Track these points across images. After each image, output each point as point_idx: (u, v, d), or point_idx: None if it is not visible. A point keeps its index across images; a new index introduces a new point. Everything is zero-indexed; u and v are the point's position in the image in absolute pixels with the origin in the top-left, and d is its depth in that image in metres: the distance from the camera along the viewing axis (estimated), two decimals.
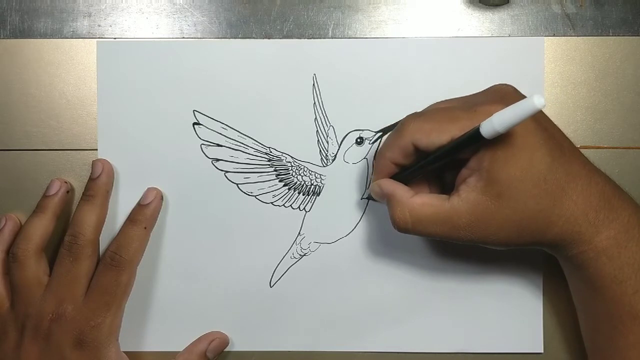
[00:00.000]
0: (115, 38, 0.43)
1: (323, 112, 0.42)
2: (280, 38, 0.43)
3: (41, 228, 0.41)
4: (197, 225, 0.43)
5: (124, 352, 0.41)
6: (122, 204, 0.43)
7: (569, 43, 0.43)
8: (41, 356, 0.39)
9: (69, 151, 0.43)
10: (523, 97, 0.35)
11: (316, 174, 0.43)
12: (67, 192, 0.42)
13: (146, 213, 0.42)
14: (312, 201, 0.43)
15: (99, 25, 0.43)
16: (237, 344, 0.43)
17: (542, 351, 0.43)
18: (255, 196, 0.43)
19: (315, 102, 0.42)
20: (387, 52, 0.42)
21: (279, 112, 0.43)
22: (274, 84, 0.42)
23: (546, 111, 0.42)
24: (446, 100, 0.39)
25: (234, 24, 0.43)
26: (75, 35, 0.43)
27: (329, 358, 0.43)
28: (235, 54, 0.42)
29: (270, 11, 0.43)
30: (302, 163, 0.43)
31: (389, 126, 0.42)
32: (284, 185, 0.43)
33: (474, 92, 0.38)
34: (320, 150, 0.43)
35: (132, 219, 0.42)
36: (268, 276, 0.43)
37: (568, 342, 0.42)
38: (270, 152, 0.43)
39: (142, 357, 0.43)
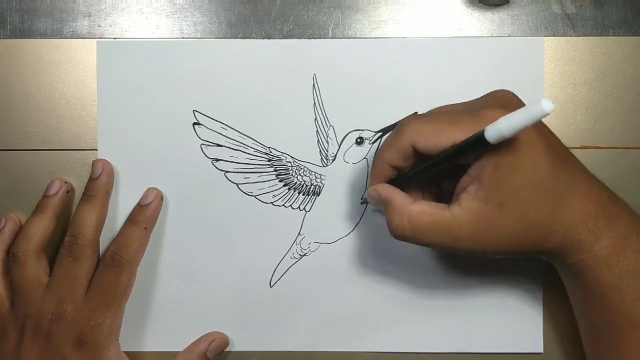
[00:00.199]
0: (115, 38, 0.43)
1: (323, 112, 0.42)
2: (280, 38, 0.43)
3: (41, 228, 0.41)
4: (197, 225, 0.43)
5: (124, 352, 0.41)
6: (122, 204, 0.43)
7: (569, 43, 0.43)
8: (41, 356, 0.39)
9: (69, 151, 0.43)
10: (523, 103, 0.35)
11: (316, 174, 0.43)
12: (67, 192, 0.42)
13: (146, 213, 0.42)
14: (312, 201, 0.43)
15: (99, 25, 0.43)
16: (237, 344, 0.43)
17: (542, 351, 0.43)
18: (255, 196, 0.43)
19: (315, 102, 0.42)
20: (387, 52, 0.42)
21: (279, 112, 0.43)
22: (274, 84, 0.42)
23: None
24: (448, 105, 0.39)
25: (234, 24, 0.43)
26: (75, 35, 0.43)
27: (329, 358, 0.43)
28: (235, 54, 0.42)
29: (270, 11, 0.43)
30: (302, 163, 0.43)
31: (389, 126, 0.42)
32: (284, 185, 0.43)
33: (474, 94, 0.38)
34: (320, 150, 0.43)
35: (132, 219, 0.42)
36: (268, 276, 0.43)
37: (568, 342, 0.42)
38: (270, 152, 0.43)
39: (142, 357, 0.43)
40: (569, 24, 0.43)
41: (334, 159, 0.43)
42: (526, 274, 0.43)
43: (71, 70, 0.43)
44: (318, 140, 0.43)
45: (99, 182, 0.42)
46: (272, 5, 0.43)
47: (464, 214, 0.34)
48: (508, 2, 0.43)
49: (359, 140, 0.43)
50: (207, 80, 0.42)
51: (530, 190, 0.34)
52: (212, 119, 0.43)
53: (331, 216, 0.43)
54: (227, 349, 0.43)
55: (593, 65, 0.43)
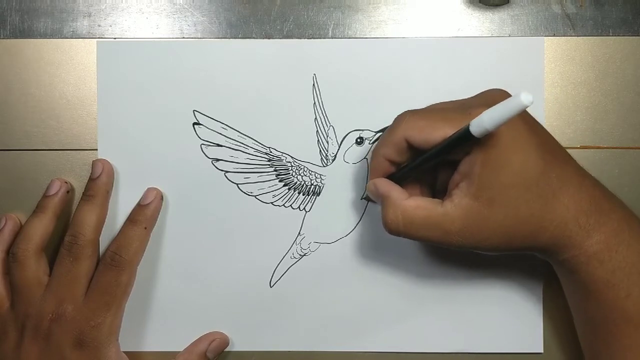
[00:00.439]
0: (115, 38, 0.43)
1: (323, 112, 0.42)
2: (280, 38, 0.43)
3: (41, 228, 0.41)
4: (197, 225, 0.43)
5: (124, 352, 0.41)
6: (122, 204, 0.43)
7: (569, 43, 0.43)
8: (41, 356, 0.39)
9: (69, 151, 0.43)
10: None
11: (316, 174, 0.43)
12: (67, 192, 0.42)
13: (146, 213, 0.42)
14: (312, 201, 0.43)
15: (99, 25, 0.43)
16: (237, 344, 0.43)
17: (542, 351, 0.43)
18: (255, 196, 0.43)
19: (315, 102, 0.42)
20: (387, 52, 0.42)
21: (279, 112, 0.43)
22: (274, 84, 0.42)
23: (546, 111, 0.42)
24: (443, 102, 0.40)
25: (234, 24, 0.43)
26: (75, 35, 0.43)
27: (329, 358, 0.43)
28: (235, 54, 0.42)
29: (270, 11, 0.43)
30: (302, 163, 0.43)
31: (388, 126, 0.42)
32: (284, 185, 0.43)
33: (472, 93, 0.39)
34: (320, 150, 0.43)
35: (132, 219, 0.42)
36: (268, 276, 0.43)
37: (568, 342, 0.42)
38: (270, 152, 0.43)
39: (142, 357, 0.43)
40: (569, 24, 0.43)
41: (334, 159, 0.43)
42: (526, 274, 0.43)
43: (71, 70, 0.43)
44: (318, 140, 0.43)
45: (99, 182, 0.42)
46: (272, 5, 0.43)
47: (455, 209, 0.34)
48: (508, 2, 0.43)
49: (359, 140, 0.43)
50: (207, 80, 0.42)
51: (520, 187, 0.34)
52: (212, 119, 0.43)
53: (331, 216, 0.43)
54: (227, 349, 0.43)
55: (593, 65, 0.43)
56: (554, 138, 0.37)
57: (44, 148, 0.43)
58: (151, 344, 0.43)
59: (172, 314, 0.43)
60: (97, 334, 0.39)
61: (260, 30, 0.43)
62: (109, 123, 0.43)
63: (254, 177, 0.43)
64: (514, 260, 0.42)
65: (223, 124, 0.43)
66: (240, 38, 0.43)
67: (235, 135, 0.43)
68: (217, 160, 0.43)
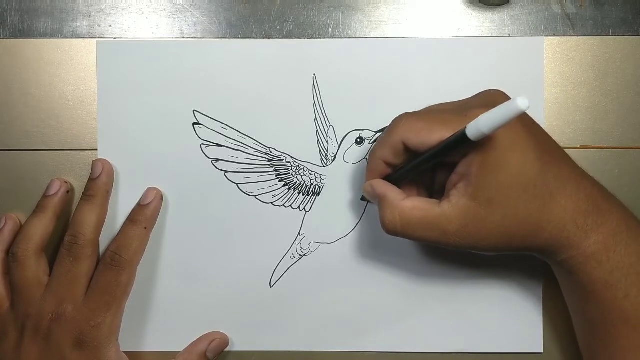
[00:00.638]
0: (115, 38, 0.43)
1: (323, 112, 0.42)
2: (280, 38, 0.43)
3: (41, 228, 0.41)
4: (197, 225, 0.43)
5: (124, 352, 0.41)
6: (122, 204, 0.43)
7: (569, 43, 0.43)
8: (41, 356, 0.39)
9: (69, 151, 0.43)
10: None
11: (316, 174, 0.43)
12: (67, 192, 0.42)
13: (146, 213, 0.42)
14: (312, 201, 0.43)
15: (99, 25, 0.43)
16: (237, 344, 0.43)
17: (542, 351, 0.43)
18: (255, 196, 0.43)
19: (315, 102, 0.42)
20: (387, 52, 0.42)
21: (279, 112, 0.43)
22: (274, 84, 0.42)
23: (546, 111, 0.42)
24: (441, 104, 0.40)
25: (234, 24, 0.43)
26: (75, 35, 0.43)
27: (329, 358, 0.43)
28: (235, 54, 0.42)
29: (270, 11, 0.43)
30: (302, 163, 0.43)
31: (386, 128, 0.42)
32: (284, 185, 0.43)
33: (472, 93, 0.39)
34: (320, 150, 0.43)
35: (132, 219, 0.42)
36: (268, 276, 0.43)
37: (568, 342, 0.42)
38: (270, 152, 0.43)
39: (142, 357, 0.43)
40: (569, 24, 0.43)
41: (334, 159, 0.43)
42: (526, 274, 0.43)
43: (71, 70, 0.43)
44: (318, 140, 0.43)
45: (99, 182, 0.42)
46: (272, 5, 0.43)
47: (453, 210, 0.35)
48: (508, 2, 0.43)
49: (359, 140, 0.43)
50: (207, 80, 0.42)
51: (518, 188, 0.34)
52: (212, 119, 0.43)
53: (331, 216, 0.43)
54: (227, 349, 0.43)
55: (593, 65, 0.43)
56: (552, 139, 0.37)
57: (44, 148, 0.43)
58: (151, 344, 0.43)
59: (172, 314, 0.43)
60: (97, 334, 0.39)
61: (260, 30, 0.43)
62: (109, 123, 0.43)
63: (254, 177, 0.43)
64: (514, 261, 0.42)
65: (223, 124, 0.43)
66: (240, 38, 0.43)
67: (235, 135, 0.43)
68: (217, 160, 0.43)
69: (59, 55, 0.43)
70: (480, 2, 0.43)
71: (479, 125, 0.31)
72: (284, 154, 0.43)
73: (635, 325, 0.35)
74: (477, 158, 0.34)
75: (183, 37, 0.43)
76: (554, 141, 0.37)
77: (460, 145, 0.33)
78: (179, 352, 0.43)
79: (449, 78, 0.42)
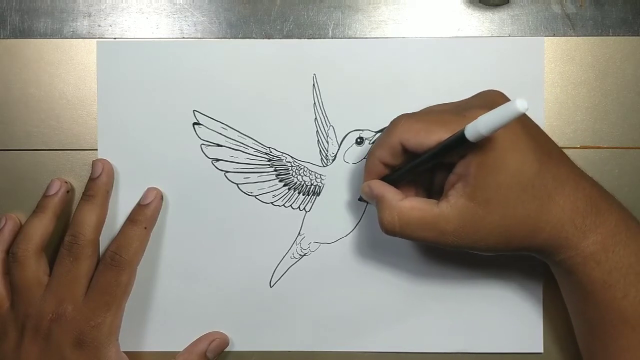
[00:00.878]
0: (115, 38, 0.43)
1: (323, 112, 0.42)
2: (280, 38, 0.43)
3: (41, 228, 0.41)
4: (197, 225, 0.43)
5: (124, 352, 0.41)
6: (122, 204, 0.43)
7: (569, 43, 0.43)
8: (41, 356, 0.39)
9: (69, 151, 0.43)
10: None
11: (316, 174, 0.43)
12: (67, 192, 0.42)
13: (146, 213, 0.42)
14: (312, 201, 0.43)
15: (99, 25, 0.43)
16: (237, 344, 0.43)
17: (542, 351, 0.43)
18: (255, 196, 0.43)
19: (315, 102, 0.42)
20: (387, 52, 0.42)
21: (279, 112, 0.43)
22: (274, 84, 0.42)
23: (546, 111, 0.42)
24: (439, 104, 0.40)
25: (234, 24, 0.43)
26: (75, 35, 0.43)
27: (329, 358, 0.43)
28: (235, 54, 0.42)
29: (270, 11, 0.43)
30: (302, 163, 0.43)
31: (385, 128, 0.42)
32: (284, 185, 0.43)
33: (472, 93, 0.39)
34: (320, 150, 0.43)
35: (132, 219, 0.42)
36: (268, 276, 0.43)
37: (567, 342, 0.42)
38: (270, 152, 0.43)
39: (142, 357, 0.43)
40: (569, 24, 0.43)
41: (334, 159, 0.43)
42: (526, 274, 0.43)
43: (71, 70, 0.43)
44: (318, 140, 0.43)
45: (99, 182, 0.42)
46: (272, 5, 0.43)
47: (451, 210, 0.35)
48: (508, 2, 0.43)
49: (359, 140, 0.43)
50: (207, 80, 0.42)
51: (516, 188, 0.34)
52: (212, 119, 0.43)
53: (331, 216, 0.43)
54: (227, 349, 0.43)
55: (593, 65, 0.43)
56: (550, 139, 0.37)
57: (44, 148, 0.43)
58: (151, 344, 0.43)
59: (172, 314, 0.43)
60: (97, 334, 0.39)
61: (260, 30, 0.43)
62: (109, 123, 0.43)
63: (254, 177, 0.43)
64: (514, 261, 0.42)
65: (223, 124, 0.43)
66: (240, 38, 0.43)
67: (235, 135, 0.43)
68: (217, 160, 0.43)
69: (59, 55, 0.43)
70: (480, 2, 0.43)
71: (478, 126, 0.31)
72: (284, 154, 0.43)
73: (634, 326, 0.35)
74: (476, 158, 0.34)
75: (183, 37, 0.43)
76: (553, 142, 0.37)
77: (459, 146, 0.33)
78: (179, 352, 0.43)
79: (449, 78, 0.42)
